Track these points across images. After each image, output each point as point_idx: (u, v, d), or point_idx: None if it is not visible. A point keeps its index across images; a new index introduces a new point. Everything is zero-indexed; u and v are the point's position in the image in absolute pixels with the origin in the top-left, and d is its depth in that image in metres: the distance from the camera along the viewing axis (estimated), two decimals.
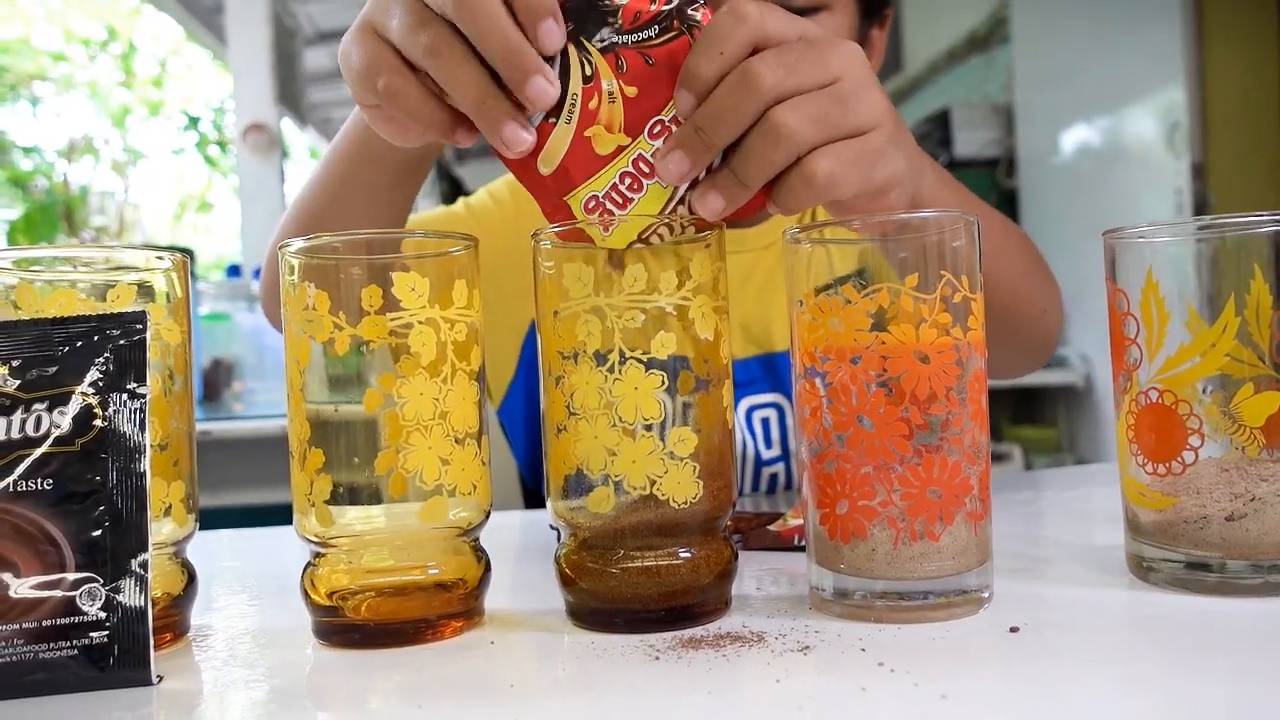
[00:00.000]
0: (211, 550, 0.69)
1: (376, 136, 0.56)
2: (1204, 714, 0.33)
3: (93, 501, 0.42)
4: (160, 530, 0.46)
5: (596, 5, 0.48)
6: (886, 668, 0.38)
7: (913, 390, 0.43)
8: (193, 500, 0.48)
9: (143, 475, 0.43)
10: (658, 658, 0.41)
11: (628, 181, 0.48)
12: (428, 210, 1.03)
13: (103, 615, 0.41)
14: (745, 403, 0.87)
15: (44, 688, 0.40)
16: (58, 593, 0.41)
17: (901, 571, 0.44)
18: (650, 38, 0.48)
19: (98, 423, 0.42)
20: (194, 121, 7.51)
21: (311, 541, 0.46)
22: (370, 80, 0.49)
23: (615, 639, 0.44)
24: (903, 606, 0.44)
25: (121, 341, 0.44)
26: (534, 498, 0.99)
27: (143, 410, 0.43)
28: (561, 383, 0.45)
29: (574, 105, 0.48)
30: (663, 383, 0.44)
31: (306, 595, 0.46)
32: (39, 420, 0.42)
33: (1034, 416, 3.14)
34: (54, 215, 4.85)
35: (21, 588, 0.40)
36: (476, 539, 0.48)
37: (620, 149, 0.48)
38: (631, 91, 0.48)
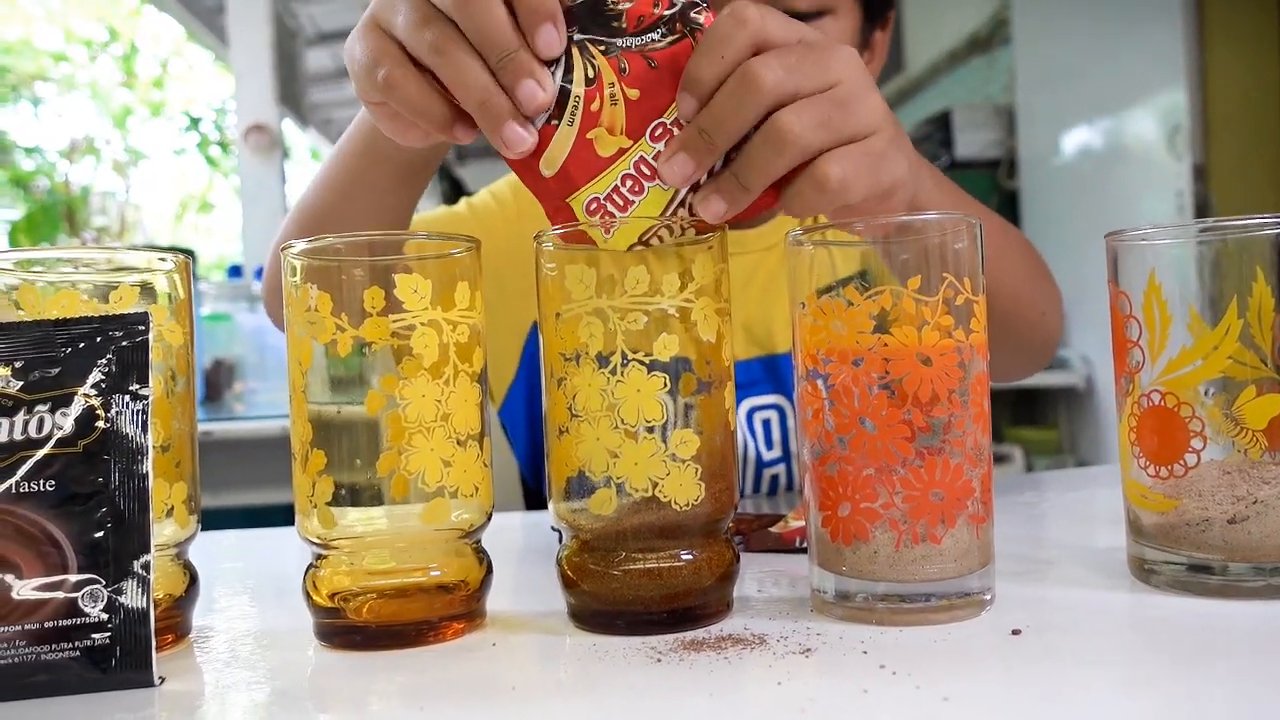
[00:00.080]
0: (213, 551, 0.69)
1: (382, 137, 0.56)
2: (1205, 716, 0.33)
3: (95, 503, 0.42)
4: (162, 531, 0.46)
5: (600, 8, 0.48)
6: (888, 670, 0.38)
7: (915, 392, 0.43)
8: (195, 501, 0.48)
9: (145, 477, 0.43)
10: (659, 660, 0.41)
11: (629, 184, 0.48)
12: (429, 210, 1.02)
13: (105, 617, 0.41)
14: (747, 404, 0.87)
15: (46, 689, 0.40)
16: (60, 594, 0.41)
17: (903, 574, 0.44)
18: (653, 40, 0.48)
19: (100, 424, 0.42)
20: (195, 122, 7.52)
21: (313, 543, 0.46)
22: (372, 73, 0.49)
23: (617, 641, 0.44)
24: (904, 609, 0.44)
25: (124, 343, 0.44)
26: (535, 498, 0.99)
27: (145, 411, 0.43)
28: (563, 384, 0.45)
29: (576, 107, 0.48)
30: (665, 385, 0.44)
31: (308, 597, 0.46)
32: (41, 421, 0.42)
33: (1035, 418, 3.14)
34: (55, 216, 4.86)
35: (24, 589, 0.40)
36: (478, 541, 0.48)
37: (622, 151, 0.48)
38: (633, 94, 0.48)
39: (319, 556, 0.46)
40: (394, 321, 0.44)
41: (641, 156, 0.48)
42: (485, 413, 0.47)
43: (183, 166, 8.03)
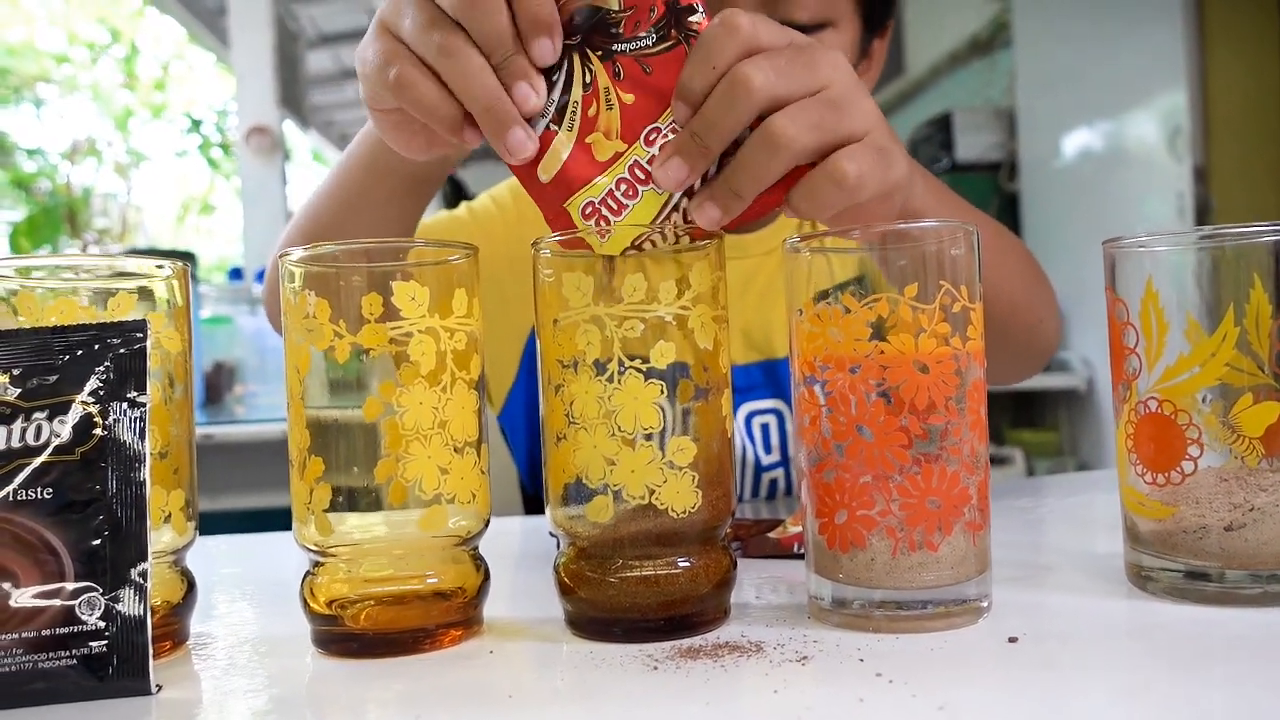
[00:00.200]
0: (211, 557, 0.69)
1: (387, 150, 0.56)
2: None
3: (92, 510, 0.42)
4: (160, 539, 0.46)
5: (598, 14, 0.48)
6: (885, 678, 0.38)
7: (912, 400, 0.43)
8: (192, 508, 0.48)
9: (142, 484, 0.43)
10: (656, 667, 0.41)
11: (623, 188, 0.48)
12: (429, 214, 1.02)
13: (102, 624, 0.41)
14: (745, 408, 0.87)
15: (43, 697, 0.40)
16: (57, 602, 0.41)
17: (900, 581, 0.44)
18: (648, 46, 0.48)
19: (98, 431, 0.42)
20: (196, 124, 7.53)
21: (311, 550, 0.46)
22: (383, 73, 0.49)
23: (614, 648, 0.44)
24: (901, 616, 0.44)
25: (122, 350, 0.44)
26: (534, 503, 0.99)
27: (143, 419, 0.43)
28: (561, 391, 0.45)
29: (575, 112, 0.48)
30: (662, 392, 0.44)
31: (305, 604, 0.46)
32: (39, 429, 0.42)
33: (1035, 420, 3.14)
34: (57, 217, 4.86)
35: (21, 597, 0.40)
36: (475, 548, 0.48)
37: (617, 155, 0.48)
38: (629, 99, 0.48)
39: (316, 563, 0.46)
40: (392, 328, 0.44)
41: (636, 161, 0.48)
42: (483, 420, 0.47)
43: (184, 168, 8.05)
